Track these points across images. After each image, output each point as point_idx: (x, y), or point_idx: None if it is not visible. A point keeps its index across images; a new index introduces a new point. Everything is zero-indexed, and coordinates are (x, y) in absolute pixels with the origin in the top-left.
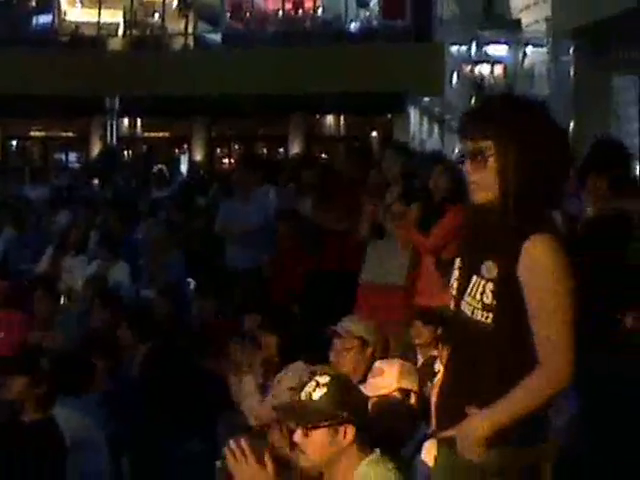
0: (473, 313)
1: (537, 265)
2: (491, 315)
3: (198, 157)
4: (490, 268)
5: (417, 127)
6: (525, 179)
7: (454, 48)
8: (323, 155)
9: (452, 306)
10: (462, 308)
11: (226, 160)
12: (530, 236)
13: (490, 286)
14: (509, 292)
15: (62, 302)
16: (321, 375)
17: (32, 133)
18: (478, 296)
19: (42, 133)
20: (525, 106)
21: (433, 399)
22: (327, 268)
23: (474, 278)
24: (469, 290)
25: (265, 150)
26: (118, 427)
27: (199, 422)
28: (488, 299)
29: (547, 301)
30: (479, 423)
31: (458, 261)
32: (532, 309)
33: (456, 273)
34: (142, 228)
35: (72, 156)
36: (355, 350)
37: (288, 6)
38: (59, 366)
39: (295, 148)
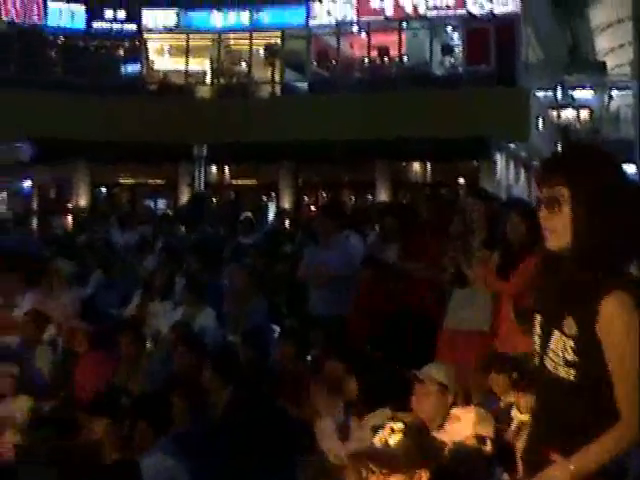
0: (556, 369)
1: (614, 324)
2: (573, 371)
3: (285, 204)
4: (570, 325)
5: (503, 173)
6: (599, 229)
7: (539, 92)
8: (409, 201)
9: (536, 361)
10: (545, 363)
11: (313, 207)
12: (606, 293)
13: (571, 343)
14: (589, 349)
15: (148, 346)
16: (396, 422)
17: (121, 180)
18: (560, 353)
19: (130, 180)
20: (601, 156)
21: (518, 445)
22: (409, 314)
23: (555, 334)
24: (551, 346)
25: (352, 197)
26: (199, 469)
27: (280, 465)
28: (570, 356)
29: (625, 359)
30: (563, 470)
31: (538, 317)
32: (612, 365)
33: (537, 329)
34: (227, 274)
35: (160, 202)
36: (435, 396)
37: (373, 53)
38: (142, 408)
39: (381, 194)
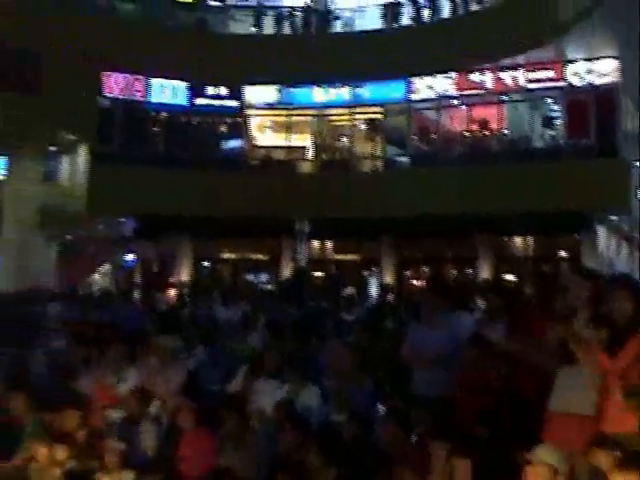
0: None
1: None
2: None
3: (387, 279)
4: None
5: (605, 246)
6: None
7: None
8: (512, 276)
9: None
10: None
11: (415, 281)
12: None
13: None
14: None
15: (252, 424)
16: None
17: (223, 254)
18: None
19: (233, 254)
20: None
21: None
22: (516, 394)
23: None
24: None
25: (454, 271)
26: None
27: None
28: None
29: None
30: None
31: None
32: None
33: None
34: (330, 351)
35: (262, 277)
36: (545, 478)
37: (474, 126)
38: None
39: (483, 269)
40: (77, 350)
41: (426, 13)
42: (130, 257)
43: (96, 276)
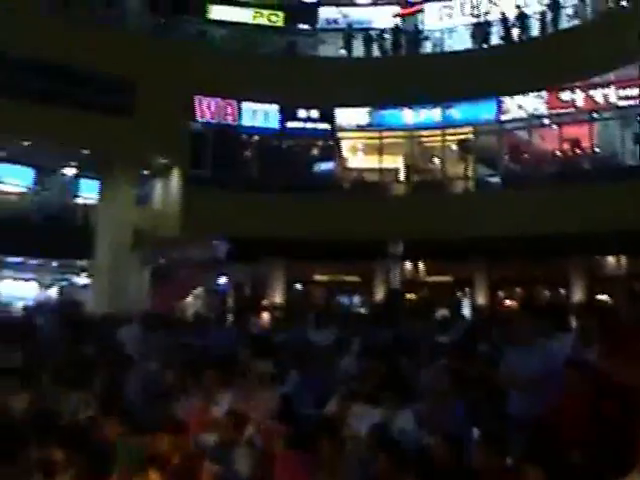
0: None
1: None
2: None
3: (480, 300)
4: None
5: None
6: None
7: None
8: (605, 297)
9: None
10: None
11: (508, 302)
12: None
13: None
14: None
15: (346, 448)
16: None
17: (316, 277)
18: None
19: (326, 277)
20: None
21: None
22: (611, 418)
23: None
24: None
25: (547, 292)
26: None
27: None
28: None
29: None
30: None
31: None
32: None
33: None
34: (424, 374)
35: (355, 299)
36: None
37: (565, 145)
38: None
39: (576, 290)
40: (171, 374)
41: (515, 32)
42: (223, 280)
43: (189, 300)
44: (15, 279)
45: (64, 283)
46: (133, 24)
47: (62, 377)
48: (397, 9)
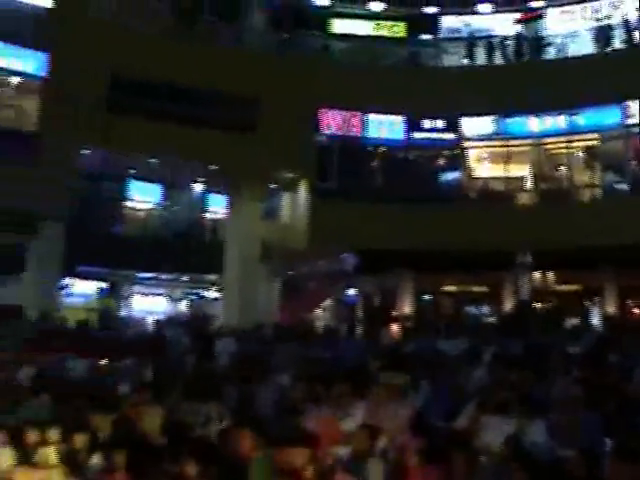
0: None
1: None
2: None
3: (609, 309)
4: None
5: None
6: None
7: None
8: None
9: None
10: None
11: (638, 311)
12: None
13: None
14: None
15: (480, 460)
16: None
17: (444, 288)
18: None
19: (454, 287)
20: None
21: None
22: None
23: None
24: None
25: None
26: None
27: None
28: None
29: None
30: None
31: None
32: None
33: None
34: (556, 385)
35: (483, 310)
36: None
37: None
38: None
39: None
40: (303, 386)
41: (638, 35)
42: (351, 292)
43: (318, 312)
44: (146, 294)
45: (194, 297)
46: (254, 41)
47: (193, 390)
48: (518, 16)
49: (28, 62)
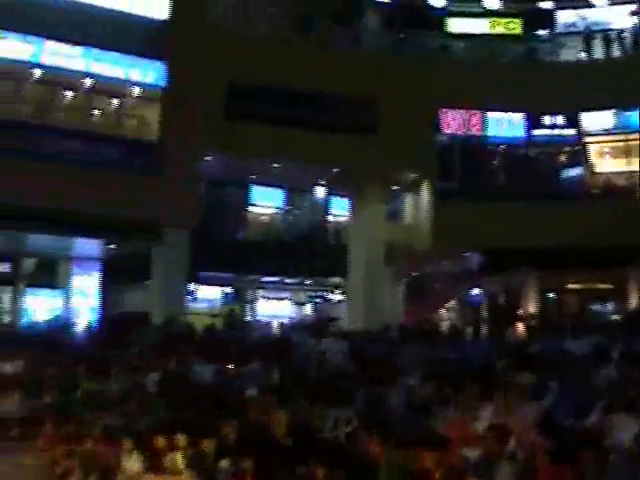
0: None
1: None
2: None
3: None
4: None
5: None
6: None
7: None
8: None
9: None
10: None
11: None
12: None
13: None
14: None
15: (610, 458)
16: None
17: (569, 285)
18: None
19: (578, 285)
20: None
21: None
22: None
23: None
24: None
25: None
26: None
27: None
28: None
29: None
30: None
31: None
32: None
33: None
34: None
35: (609, 307)
36: None
37: None
38: None
39: None
40: (431, 388)
41: None
42: (476, 292)
43: (443, 312)
44: (270, 298)
45: (318, 300)
46: (371, 43)
47: (320, 393)
48: (634, 7)
49: (148, 72)
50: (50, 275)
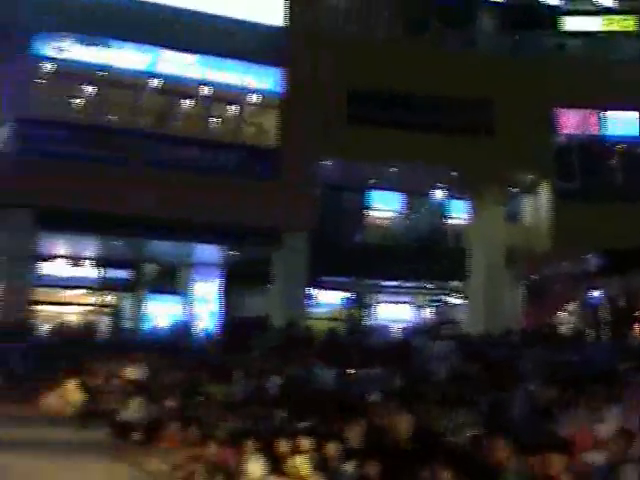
0: None
1: None
2: None
3: None
4: None
5: None
6: None
7: None
8: None
9: None
10: None
11: None
12: None
13: None
14: None
15: None
16: None
17: None
18: None
19: None
20: None
21: None
22: None
23: None
24: None
25: None
26: None
27: None
28: None
29: None
30: None
31: None
32: None
33: None
34: None
35: None
36: None
37: None
38: None
39: None
40: (554, 391)
41: None
42: (596, 294)
43: (563, 315)
44: (390, 302)
45: (438, 304)
46: (485, 44)
47: (444, 396)
48: None
49: (266, 79)
50: (171, 281)
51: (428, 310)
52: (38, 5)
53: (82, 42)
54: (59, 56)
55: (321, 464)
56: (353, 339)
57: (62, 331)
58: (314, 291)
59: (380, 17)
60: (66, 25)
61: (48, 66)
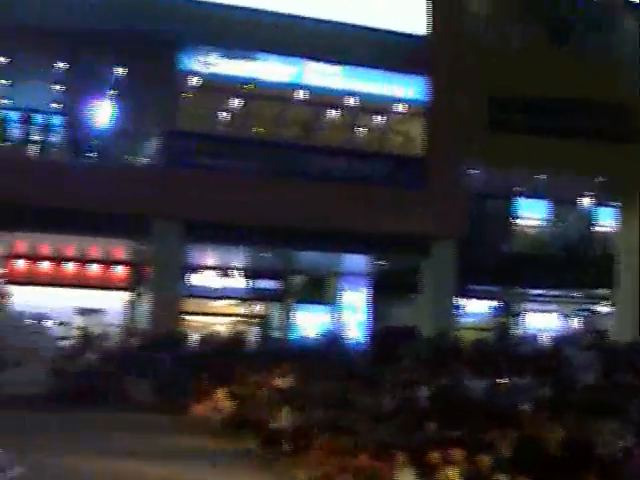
0: None
1: None
2: None
3: None
4: None
5: None
6: None
7: None
8: None
9: None
10: None
11: None
12: None
13: None
14: None
15: None
16: None
17: None
18: None
19: None
20: None
21: None
22: None
23: None
24: None
25: None
26: None
27: None
28: None
29: None
30: None
31: None
32: None
33: None
34: None
35: None
36: None
37: None
38: None
39: None
40: None
41: None
42: None
43: None
44: (538, 311)
45: (586, 313)
46: (630, 48)
47: (595, 407)
48: None
49: (410, 88)
50: (319, 291)
51: (576, 319)
52: (184, 20)
53: (228, 56)
54: (205, 70)
55: (472, 475)
56: (502, 349)
57: (212, 341)
58: (462, 300)
59: (521, 22)
60: (212, 39)
61: (195, 80)
